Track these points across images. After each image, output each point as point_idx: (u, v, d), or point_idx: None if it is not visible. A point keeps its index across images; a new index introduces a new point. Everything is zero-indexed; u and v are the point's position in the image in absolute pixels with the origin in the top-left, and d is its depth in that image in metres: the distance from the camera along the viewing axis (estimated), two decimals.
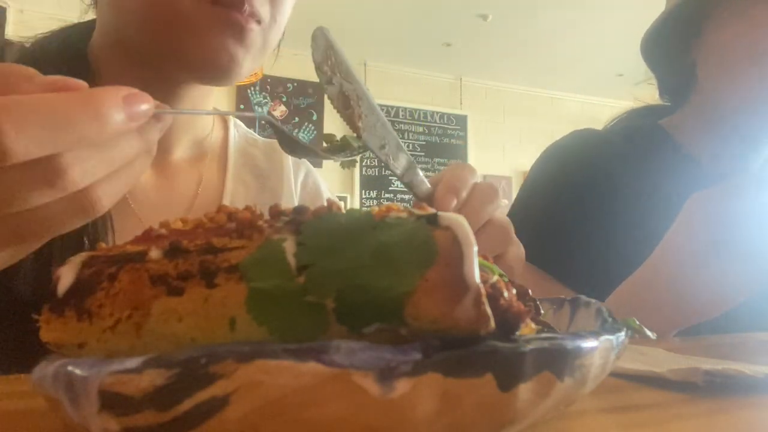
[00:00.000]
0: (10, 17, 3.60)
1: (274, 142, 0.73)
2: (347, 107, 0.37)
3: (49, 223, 0.23)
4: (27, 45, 0.57)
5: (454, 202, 0.40)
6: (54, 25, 0.60)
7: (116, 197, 0.25)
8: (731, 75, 0.71)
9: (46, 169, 0.21)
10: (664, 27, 0.77)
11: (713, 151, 0.78)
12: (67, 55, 0.55)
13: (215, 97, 0.64)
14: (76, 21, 0.61)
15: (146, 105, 0.23)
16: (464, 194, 0.41)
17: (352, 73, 0.38)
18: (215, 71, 0.51)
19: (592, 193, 0.75)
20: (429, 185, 0.42)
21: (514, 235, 0.44)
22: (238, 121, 0.73)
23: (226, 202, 0.62)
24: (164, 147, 0.59)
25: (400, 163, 0.40)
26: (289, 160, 0.71)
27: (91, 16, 0.60)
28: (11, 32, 3.54)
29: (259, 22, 0.50)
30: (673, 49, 0.78)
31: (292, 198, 0.68)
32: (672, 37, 0.77)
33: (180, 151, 0.61)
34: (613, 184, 0.75)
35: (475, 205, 0.41)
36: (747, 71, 0.69)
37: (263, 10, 0.50)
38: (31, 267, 0.47)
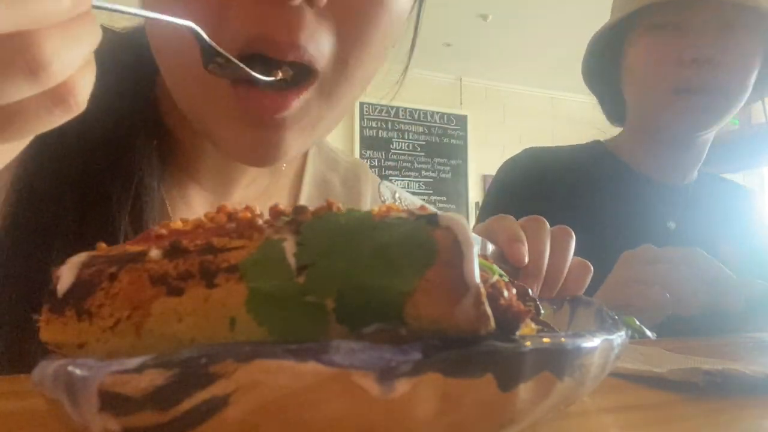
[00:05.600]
0: None
1: (358, 162, 0.64)
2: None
3: (27, 118, 0.22)
4: (119, 31, 0.48)
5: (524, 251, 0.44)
6: None
7: (89, 90, 0.23)
8: (642, 96, 0.84)
9: (28, 60, 0.20)
10: (591, 56, 0.89)
11: (654, 163, 0.88)
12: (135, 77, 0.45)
13: None
14: None
15: None
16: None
17: None
18: (253, 163, 0.42)
19: (540, 202, 0.84)
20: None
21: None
22: (323, 145, 0.61)
23: None
24: (223, 180, 0.49)
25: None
26: (369, 187, 0.62)
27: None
28: None
29: (309, 81, 0.36)
30: (605, 78, 0.91)
31: None
32: (600, 67, 0.90)
33: (242, 186, 0.51)
34: (561, 194, 0.86)
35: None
36: (648, 92, 0.82)
37: (321, 51, 0.34)
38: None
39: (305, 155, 0.58)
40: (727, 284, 0.59)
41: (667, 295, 0.59)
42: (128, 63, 0.44)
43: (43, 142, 0.29)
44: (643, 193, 0.87)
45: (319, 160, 0.60)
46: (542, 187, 0.87)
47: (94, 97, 0.24)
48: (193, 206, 0.49)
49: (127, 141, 0.44)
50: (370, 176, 0.64)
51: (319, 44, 0.33)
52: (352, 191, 0.60)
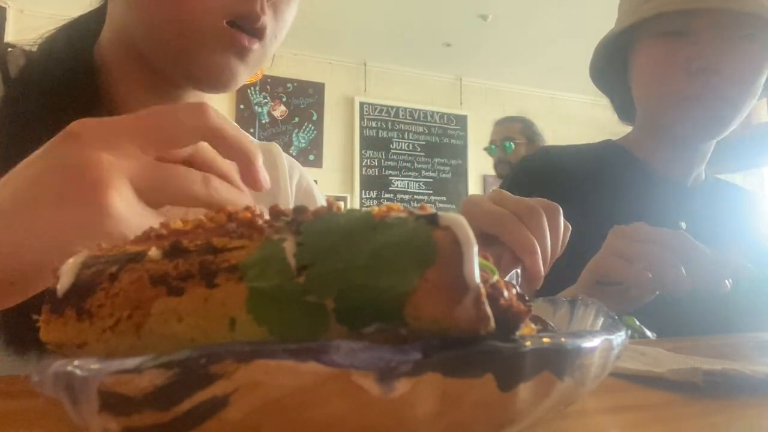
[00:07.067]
0: (10, 17, 3.60)
1: (270, 144, 0.73)
2: None
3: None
4: (32, 49, 0.57)
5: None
6: (54, 25, 0.59)
7: None
8: (650, 101, 0.86)
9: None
10: (599, 58, 0.90)
11: (664, 160, 0.90)
12: (71, 56, 0.55)
13: (214, 97, 0.63)
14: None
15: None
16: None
17: None
18: (215, 85, 0.55)
19: (552, 199, 0.82)
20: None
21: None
22: (233, 123, 0.72)
23: None
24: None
25: None
26: (285, 161, 0.71)
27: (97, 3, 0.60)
28: (11, 32, 3.53)
29: (261, 39, 0.53)
30: (613, 78, 0.92)
31: (287, 200, 0.68)
32: (608, 66, 0.91)
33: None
34: (574, 191, 0.86)
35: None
36: (656, 98, 0.84)
37: (269, 28, 0.53)
38: None
39: None
40: (709, 265, 0.59)
41: (650, 275, 0.59)
42: (72, 57, 0.55)
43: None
44: (656, 190, 0.88)
45: None
46: (555, 184, 0.87)
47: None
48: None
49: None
50: (283, 153, 0.73)
51: (268, 23, 0.54)
52: (270, 163, 0.69)
